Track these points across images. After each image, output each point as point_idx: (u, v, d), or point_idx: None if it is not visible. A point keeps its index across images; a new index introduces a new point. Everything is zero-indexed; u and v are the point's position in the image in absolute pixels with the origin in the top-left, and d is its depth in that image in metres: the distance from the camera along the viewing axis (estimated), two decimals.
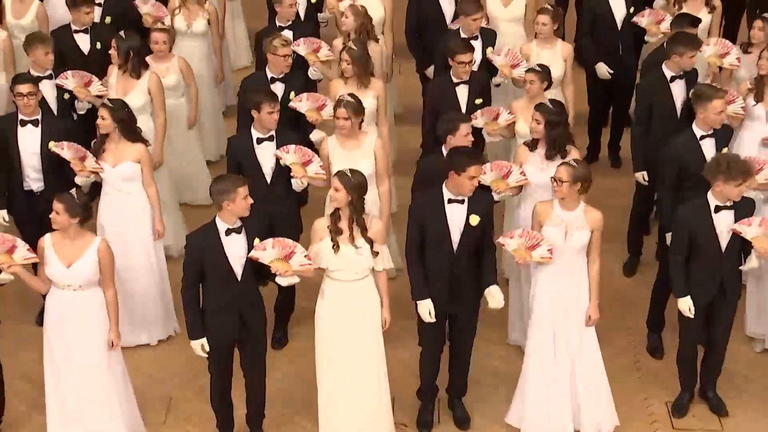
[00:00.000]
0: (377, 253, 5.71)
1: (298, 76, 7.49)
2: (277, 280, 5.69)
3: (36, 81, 6.78)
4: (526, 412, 6.04)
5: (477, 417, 6.28)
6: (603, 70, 8.34)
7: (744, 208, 5.89)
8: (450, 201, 5.79)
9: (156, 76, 7.49)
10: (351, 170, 5.68)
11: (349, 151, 6.58)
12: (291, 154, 6.46)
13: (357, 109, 6.50)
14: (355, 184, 5.56)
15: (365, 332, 5.83)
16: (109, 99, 6.75)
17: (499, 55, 7.52)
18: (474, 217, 5.79)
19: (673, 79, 7.10)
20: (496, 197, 6.30)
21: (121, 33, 7.40)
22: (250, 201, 5.63)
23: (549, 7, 7.72)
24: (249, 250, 5.68)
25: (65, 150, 6.57)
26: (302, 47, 7.73)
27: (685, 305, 5.92)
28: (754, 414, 6.26)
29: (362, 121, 6.64)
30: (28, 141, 6.66)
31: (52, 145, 6.60)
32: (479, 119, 6.97)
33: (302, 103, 7.00)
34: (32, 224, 6.69)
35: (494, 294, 5.83)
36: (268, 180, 6.54)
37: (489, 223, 5.93)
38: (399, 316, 6.65)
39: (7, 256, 5.63)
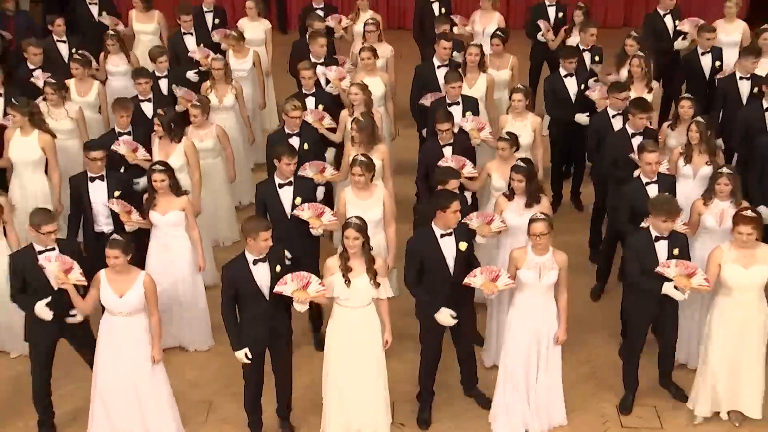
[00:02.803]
0: (379, 284, 5.81)
1: (313, 132, 7.68)
2: (295, 305, 5.81)
3: (105, 147, 6.98)
4: (499, 416, 6.15)
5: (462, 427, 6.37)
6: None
7: (677, 241, 6.06)
8: (442, 236, 5.96)
9: (190, 141, 7.60)
10: (358, 217, 5.82)
11: (362, 201, 6.69)
12: (306, 211, 6.62)
13: (369, 165, 6.61)
14: (364, 228, 5.73)
15: (368, 350, 5.90)
16: (159, 162, 6.84)
17: (467, 122, 7.68)
18: (462, 243, 5.98)
19: (633, 135, 7.37)
20: (480, 240, 6.42)
21: (160, 110, 7.57)
22: (270, 243, 5.77)
23: (521, 86, 7.89)
24: (272, 275, 5.79)
25: (115, 205, 6.78)
26: (309, 117, 7.94)
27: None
28: (690, 415, 6.34)
29: (373, 175, 6.78)
30: (98, 193, 6.85)
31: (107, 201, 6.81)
32: (468, 125, 7.13)
33: (304, 212, 6.72)
34: (101, 259, 6.88)
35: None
36: (288, 217, 6.69)
37: (471, 247, 6.12)
38: (395, 333, 6.84)
39: (64, 275, 5.77)
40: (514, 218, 6.52)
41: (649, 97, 8.07)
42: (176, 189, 6.75)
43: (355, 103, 7.85)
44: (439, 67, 8.72)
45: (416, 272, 6.04)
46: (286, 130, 7.54)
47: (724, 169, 6.45)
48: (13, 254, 6.06)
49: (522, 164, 6.52)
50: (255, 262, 5.80)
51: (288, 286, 5.76)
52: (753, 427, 6.24)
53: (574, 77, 8.59)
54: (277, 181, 6.75)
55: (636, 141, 7.34)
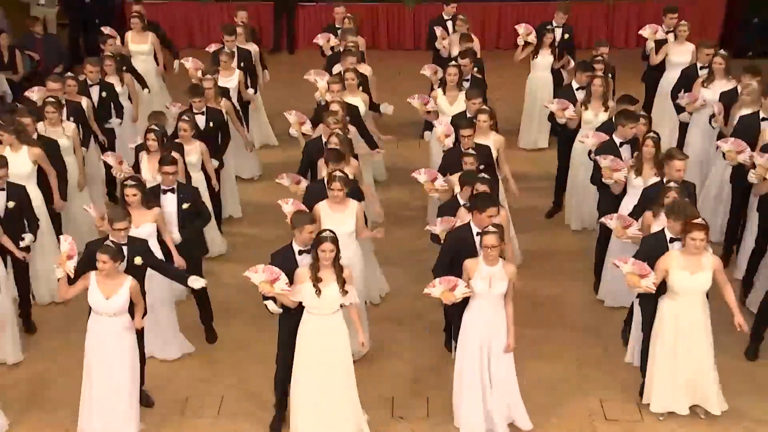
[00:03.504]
0: (347, 292, 5.77)
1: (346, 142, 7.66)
2: (268, 306, 5.83)
3: (176, 162, 7.01)
4: (460, 415, 6.10)
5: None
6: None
7: None
8: (477, 233, 6.01)
9: (178, 155, 7.48)
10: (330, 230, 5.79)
11: (337, 214, 6.62)
12: (289, 206, 6.63)
13: (346, 181, 6.59)
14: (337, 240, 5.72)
15: (337, 356, 5.87)
16: (132, 177, 6.76)
17: (420, 175, 7.37)
18: None
19: (621, 144, 7.47)
20: (433, 195, 6.57)
21: (153, 125, 7.52)
22: (314, 237, 5.79)
23: (486, 108, 7.92)
24: None
25: (91, 210, 6.87)
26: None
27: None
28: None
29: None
30: (169, 204, 6.88)
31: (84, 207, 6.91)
32: (421, 176, 7.19)
33: (287, 206, 6.74)
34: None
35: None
36: None
37: None
38: (394, 334, 6.91)
39: (65, 258, 5.80)
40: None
41: (604, 116, 8.18)
42: (147, 202, 6.67)
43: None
44: (465, 80, 8.95)
45: (447, 265, 6.09)
46: (324, 139, 7.57)
47: (672, 183, 6.48)
48: (90, 242, 6.15)
49: (487, 176, 6.55)
50: (300, 252, 5.94)
51: (257, 275, 5.77)
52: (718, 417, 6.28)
53: (585, 90, 8.70)
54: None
55: (624, 149, 7.45)
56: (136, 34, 10.34)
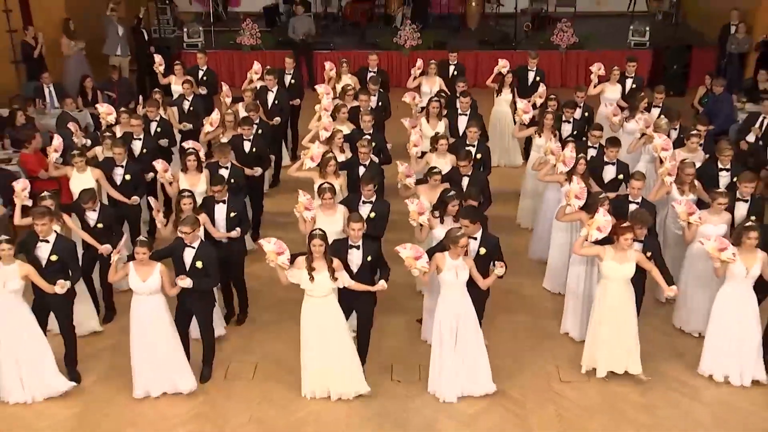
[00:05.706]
0: (337, 278, 5.81)
1: (376, 165, 7.74)
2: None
3: (224, 181, 7.01)
4: (437, 383, 6.09)
5: None
6: None
7: (648, 244, 6.19)
8: (469, 237, 6.05)
9: (207, 173, 7.57)
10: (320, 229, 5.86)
11: (329, 217, 6.66)
12: (302, 197, 6.53)
13: (334, 190, 6.66)
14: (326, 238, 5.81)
15: (331, 330, 5.92)
16: (186, 190, 6.78)
17: (400, 167, 7.34)
18: (482, 249, 6.12)
19: (606, 164, 7.55)
20: (413, 223, 6.56)
21: (190, 148, 7.49)
22: (359, 234, 5.93)
23: (443, 134, 8.05)
24: (363, 261, 5.95)
25: (153, 203, 6.94)
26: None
27: None
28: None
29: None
30: (220, 212, 6.89)
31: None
32: (400, 167, 7.25)
33: (302, 197, 6.56)
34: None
35: (500, 267, 5.92)
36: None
37: (497, 251, 6.13)
38: (394, 317, 6.91)
39: (116, 252, 6.00)
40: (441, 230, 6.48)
41: (553, 141, 8.27)
42: (196, 210, 6.72)
43: (339, 144, 8.00)
44: (460, 114, 9.12)
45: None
46: (359, 161, 7.60)
47: (603, 195, 6.64)
48: (177, 238, 6.24)
49: (455, 193, 6.54)
50: (350, 246, 5.99)
51: (269, 245, 5.79)
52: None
53: (571, 123, 8.89)
54: (362, 199, 6.83)
55: (608, 168, 7.54)
56: (178, 78, 10.37)
